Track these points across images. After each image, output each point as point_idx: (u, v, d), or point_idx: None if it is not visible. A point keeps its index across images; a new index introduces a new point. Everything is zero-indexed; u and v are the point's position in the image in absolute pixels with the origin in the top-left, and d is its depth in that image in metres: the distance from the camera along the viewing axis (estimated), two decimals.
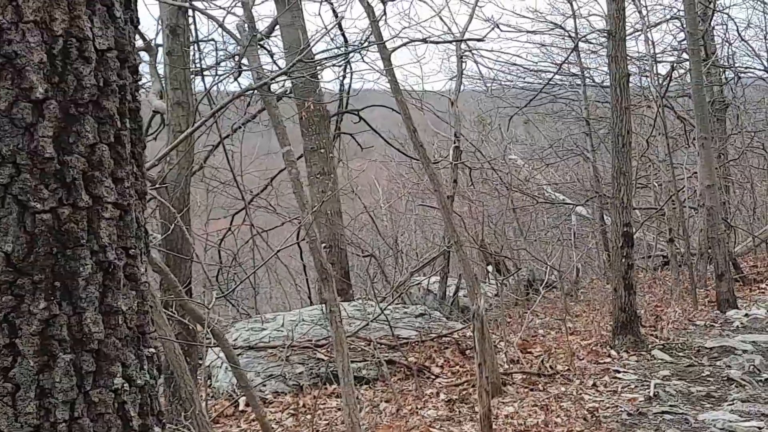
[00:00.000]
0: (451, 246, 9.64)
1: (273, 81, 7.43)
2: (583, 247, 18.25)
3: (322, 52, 14.11)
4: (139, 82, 2.17)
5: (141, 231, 2.10)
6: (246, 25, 7.02)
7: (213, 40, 14.01)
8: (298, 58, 7.66)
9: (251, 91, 7.80)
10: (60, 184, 1.88)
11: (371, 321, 10.94)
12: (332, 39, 14.00)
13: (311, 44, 10.39)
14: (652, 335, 11.90)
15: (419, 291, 15.06)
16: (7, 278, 1.84)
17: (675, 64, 19.70)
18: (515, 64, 19.70)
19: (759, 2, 20.62)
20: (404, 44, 9.53)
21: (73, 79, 1.91)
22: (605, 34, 11.87)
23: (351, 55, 13.65)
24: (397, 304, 12.95)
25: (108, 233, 1.96)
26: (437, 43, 12.86)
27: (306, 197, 7.14)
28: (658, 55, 20.93)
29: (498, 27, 14.64)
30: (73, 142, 1.91)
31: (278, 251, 10.85)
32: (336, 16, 15.12)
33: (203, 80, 12.29)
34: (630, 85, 17.63)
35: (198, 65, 12.34)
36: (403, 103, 9.28)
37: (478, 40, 12.96)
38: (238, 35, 7.23)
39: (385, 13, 15.35)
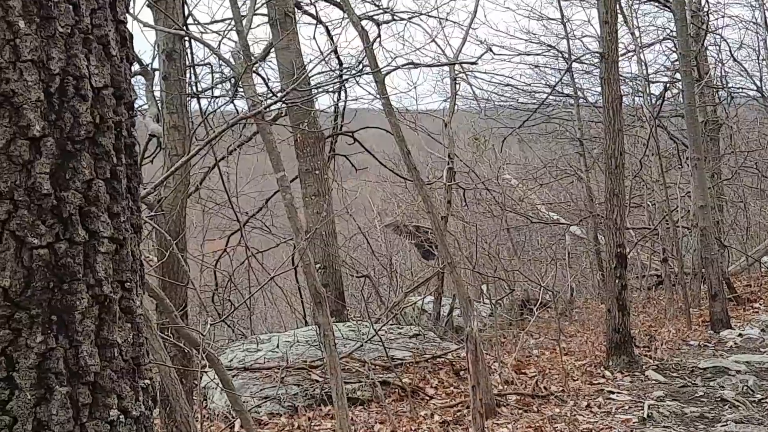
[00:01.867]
0: (445, 267, 9.68)
1: (267, 110, 7.46)
2: (577, 266, 18.29)
3: (318, 74, 14.16)
4: (135, 117, 2.21)
5: (136, 264, 2.14)
6: (241, 53, 7.08)
7: (209, 64, 14.02)
8: (293, 86, 7.72)
9: (246, 117, 7.82)
10: (57, 219, 1.92)
11: (365, 342, 10.97)
12: (327, 62, 14.06)
13: (306, 71, 10.44)
14: (646, 356, 11.92)
15: (414, 311, 15.09)
16: (5, 312, 1.87)
17: (668, 85, 19.79)
18: (509, 85, 19.82)
19: (752, 23, 20.74)
20: (398, 68, 9.59)
21: (69, 116, 1.95)
22: (598, 56, 11.94)
23: (346, 79, 13.72)
24: (391, 324, 12.97)
25: (104, 267, 2.00)
26: (431, 66, 12.95)
27: (300, 222, 7.18)
28: (651, 76, 21.06)
29: (491, 50, 14.71)
30: (69, 178, 1.95)
31: (273, 276, 10.88)
32: (332, 40, 15.21)
33: (199, 103, 12.33)
34: (623, 105, 17.74)
35: (194, 88, 12.39)
36: (397, 125, 9.32)
37: (472, 63, 13.07)
38: (233, 61, 7.29)
39: (379, 36, 15.49)
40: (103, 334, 1.99)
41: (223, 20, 14.33)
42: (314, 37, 23.00)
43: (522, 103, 20.70)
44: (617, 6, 11.55)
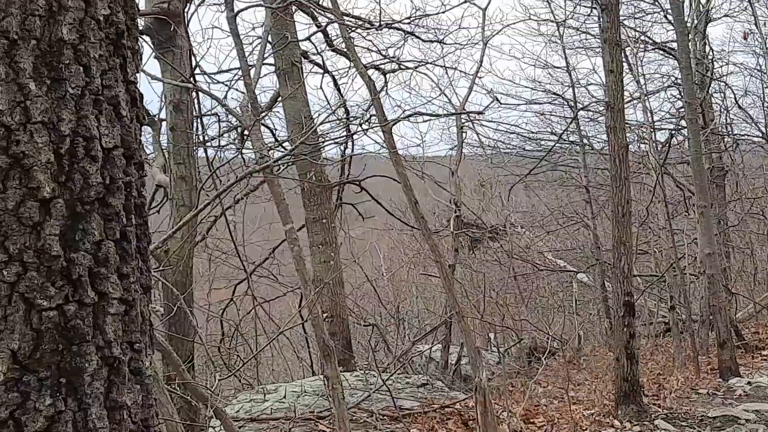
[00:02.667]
0: (452, 316, 9.65)
1: (275, 164, 7.49)
2: (584, 314, 18.23)
3: (325, 122, 14.20)
4: (145, 177, 2.21)
5: (146, 325, 2.13)
6: (249, 105, 7.11)
7: (216, 114, 14.08)
8: (302, 140, 7.76)
9: (254, 171, 7.85)
10: (66, 281, 1.91)
11: (373, 392, 10.90)
12: (334, 111, 14.12)
13: (315, 124, 10.48)
14: (654, 404, 11.83)
15: (422, 359, 15.03)
16: (13, 375, 1.86)
17: (674, 132, 19.85)
18: (514, 133, 19.89)
19: (756, 71, 20.83)
20: (405, 118, 9.62)
21: (79, 177, 1.95)
22: (603, 105, 11.97)
23: (354, 129, 13.77)
24: (399, 374, 12.90)
25: (113, 329, 1.99)
26: (438, 117, 13.00)
27: (308, 273, 7.17)
28: (656, 123, 21.11)
29: (497, 100, 14.77)
30: (79, 239, 1.94)
31: (282, 330, 10.85)
32: (339, 90, 15.29)
33: (206, 153, 12.39)
34: (629, 152, 17.74)
35: (201, 138, 12.45)
36: (405, 176, 9.33)
37: (478, 113, 13.11)
38: (240, 113, 7.32)
39: (386, 85, 15.56)
40: (113, 396, 1.98)
41: (229, 70, 14.40)
42: (321, 87, 23.20)
43: (528, 150, 20.78)
44: (622, 55, 11.59)
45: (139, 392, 2.06)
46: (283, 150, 14.09)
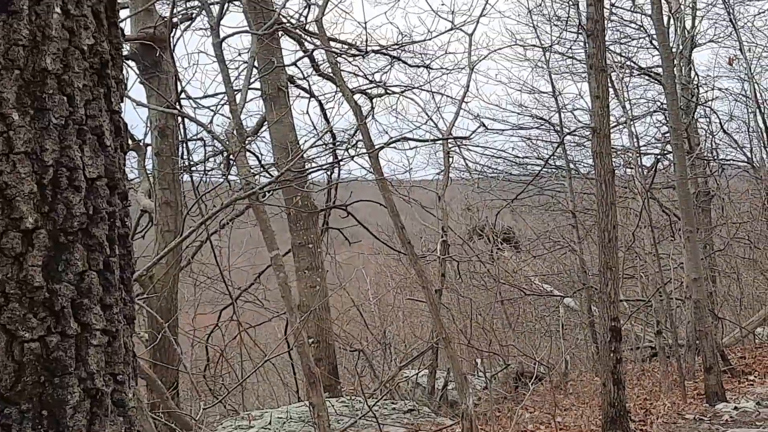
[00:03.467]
0: (439, 341, 9.63)
1: (261, 191, 7.47)
2: (571, 338, 18.21)
3: (311, 147, 14.20)
4: (129, 207, 2.20)
5: (129, 356, 2.11)
6: (234, 131, 7.10)
7: (201, 139, 14.04)
8: (287, 167, 7.74)
9: (239, 198, 7.83)
10: (49, 312, 1.89)
11: (359, 419, 10.86)
12: (321, 137, 14.13)
13: (301, 150, 10.47)
14: (641, 430, 11.83)
15: (408, 384, 14.97)
16: None
17: (659, 157, 19.92)
18: (500, 157, 19.92)
19: (741, 96, 20.92)
20: (392, 142, 9.63)
21: (62, 208, 1.94)
22: (589, 130, 12.00)
23: (340, 154, 13.80)
24: (385, 399, 12.86)
25: (96, 360, 1.97)
26: (425, 142, 13.01)
27: (294, 299, 7.15)
28: (642, 147, 21.18)
29: (484, 125, 14.78)
30: (62, 270, 1.92)
31: (269, 358, 10.80)
32: (325, 115, 15.29)
33: (191, 178, 12.34)
34: (615, 177, 17.78)
35: (186, 162, 12.42)
36: (391, 201, 9.34)
37: (465, 138, 13.10)
38: (225, 139, 7.31)
39: (372, 109, 15.61)
40: (95, 428, 1.96)
41: (215, 95, 14.38)
42: (307, 112, 23.05)
43: (515, 175, 20.81)
44: (608, 80, 11.63)
45: (122, 424, 2.04)
46: (269, 175, 14.06)
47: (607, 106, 11.29)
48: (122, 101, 2.19)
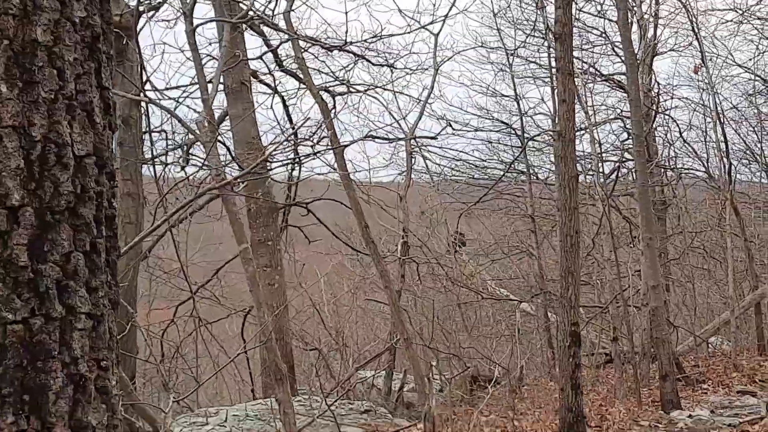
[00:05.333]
0: (398, 342, 9.56)
1: (236, 181, 7.37)
2: (527, 343, 18.22)
3: (275, 143, 14.08)
4: (116, 188, 2.12)
5: (113, 341, 2.04)
6: (206, 121, 7.01)
7: (164, 130, 13.86)
8: (263, 158, 7.65)
9: (212, 188, 7.72)
10: (33, 293, 1.82)
11: (317, 418, 10.76)
12: (288, 137, 14.01)
13: (267, 153, 10.36)
14: None
15: (363, 385, 14.88)
16: None
17: (619, 164, 20.01)
18: (460, 160, 19.90)
19: (700, 105, 21.02)
20: (359, 140, 9.57)
21: (50, 185, 1.86)
22: (552, 134, 11.99)
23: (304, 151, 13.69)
24: (342, 399, 12.78)
25: (80, 345, 1.90)
26: (392, 141, 12.95)
27: (261, 296, 7.06)
28: (601, 154, 21.27)
29: (451, 125, 14.73)
30: (47, 250, 1.85)
31: (231, 361, 10.69)
32: (287, 112, 15.19)
33: (154, 169, 12.18)
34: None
35: (150, 154, 12.28)
36: (356, 199, 9.29)
37: (432, 137, 13.06)
38: (196, 128, 7.21)
39: (335, 106, 15.51)
40: (77, 415, 1.88)
41: (178, 87, 14.21)
42: (272, 107, 22.69)
43: (476, 178, 20.79)
44: (574, 85, 11.61)
45: (105, 412, 1.97)
46: (238, 169, 13.95)
47: (572, 111, 11.25)
48: (112, 77, 2.11)
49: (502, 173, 18.29)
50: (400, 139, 13.67)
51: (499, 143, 21.18)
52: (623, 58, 14.21)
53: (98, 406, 1.94)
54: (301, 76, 14.77)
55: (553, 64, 18.53)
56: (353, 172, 15.51)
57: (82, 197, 1.93)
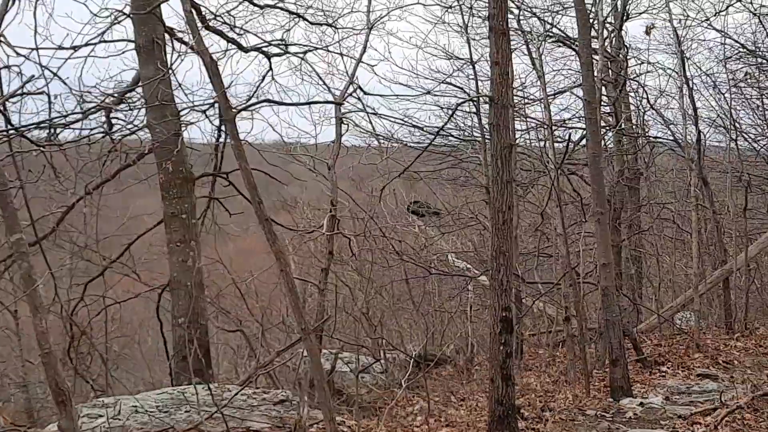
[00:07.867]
0: (301, 335, 8.54)
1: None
2: (479, 321, 17.21)
3: (187, 109, 12.99)
4: None
5: None
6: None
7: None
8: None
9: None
10: None
11: (215, 413, 9.74)
12: (194, 92, 12.95)
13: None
14: (533, 429, 10.88)
15: (288, 370, 13.79)
16: None
17: (570, 132, 18.94)
18: (406, 124, 18.71)
19: (673, 72, 19.82)
20: (250, 105, 8.49)
21: None
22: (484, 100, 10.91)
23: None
24: (259, 386, 11.80)
25: None
26: (289, 105, 11.82)
27: (40, 298, 5.99)
28: (568, 121, 20.22)
29: (361, 89, 13.46)
30: None
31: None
32: (210, 73, 14.03)
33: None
34: (530, 153, 16.77)
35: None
36: (247, 170, 8.24)
37: (338, 103, 11.95)
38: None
39: (271, 69, 14.41)
40: None
41: None
42: (200, 68, 21.06)
43: (420, 140, 19.49)
44: (509, 45, 10.45)
45: None
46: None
47: (506, 74, 10.15)
48: None
49: (434, 135, 17.09)
50: (299, 104, 12.46)
51: (457, 109, 19.85)
52: (576, 15, 13.02)
53: None
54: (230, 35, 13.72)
55: (514, 25, 17.55)
56: (296, 137, 14.46)
57: None
